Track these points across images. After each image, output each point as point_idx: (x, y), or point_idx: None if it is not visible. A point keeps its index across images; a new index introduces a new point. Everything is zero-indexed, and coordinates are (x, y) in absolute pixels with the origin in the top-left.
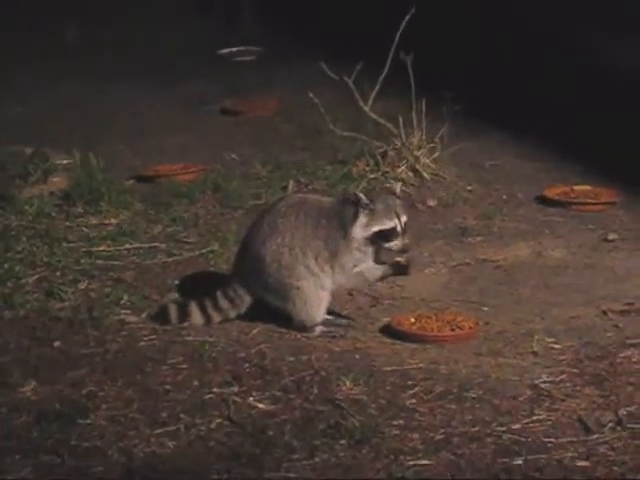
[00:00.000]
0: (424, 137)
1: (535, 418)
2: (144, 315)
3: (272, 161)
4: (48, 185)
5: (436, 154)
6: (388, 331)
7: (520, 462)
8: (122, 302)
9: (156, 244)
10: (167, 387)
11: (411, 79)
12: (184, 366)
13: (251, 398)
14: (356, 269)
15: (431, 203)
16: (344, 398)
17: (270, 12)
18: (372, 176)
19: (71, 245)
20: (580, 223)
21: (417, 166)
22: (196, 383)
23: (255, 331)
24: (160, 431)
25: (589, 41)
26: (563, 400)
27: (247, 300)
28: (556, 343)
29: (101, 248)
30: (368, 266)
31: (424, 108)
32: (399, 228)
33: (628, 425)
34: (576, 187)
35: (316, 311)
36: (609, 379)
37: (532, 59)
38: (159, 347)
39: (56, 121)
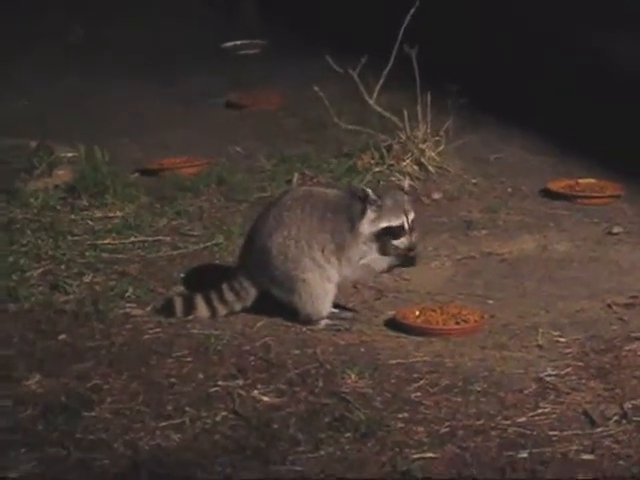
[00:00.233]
0: (429, 130)
1: (540, 411)
2: (149, 308)
3: (277, 154)
4: (53, 178)
5: (441, 147)
6: (393, 324)
7: (525, 455)
8: (127, 295)
9: (161, 237)
10: (172, 380)
11: (416, 72)
12: (189, 359)
13: (256, 391)
14: (362, 261)
15: (436, 196)
16: (349, 391)
17: (275, 5)
18: (377, 169)
19: (76, 238)
20: (585, 216)
21: (422, 159)
22: (201, 376)
23: (260, 324)
24: (165, 424)
25: (589, 41)
26: (568, 393)
27: (253, 293)
28: (561, 336)
29: (106, 241)
30: (374, 258)
31: (429, 101)
32: (406, 226)
33: (633, 418)
34: (581, 180)
35: (322, 304)
36: (614, 372)
37: (532, 59)
38: (164, 340)
39: (60, 115)
